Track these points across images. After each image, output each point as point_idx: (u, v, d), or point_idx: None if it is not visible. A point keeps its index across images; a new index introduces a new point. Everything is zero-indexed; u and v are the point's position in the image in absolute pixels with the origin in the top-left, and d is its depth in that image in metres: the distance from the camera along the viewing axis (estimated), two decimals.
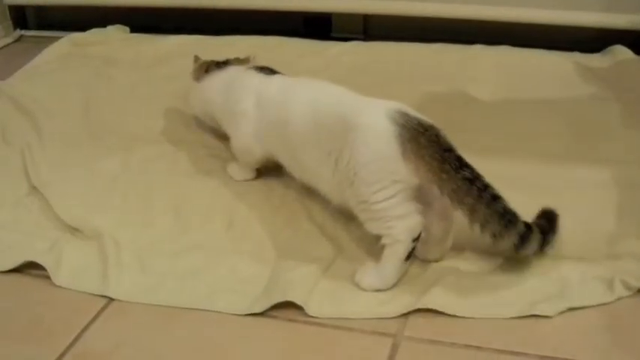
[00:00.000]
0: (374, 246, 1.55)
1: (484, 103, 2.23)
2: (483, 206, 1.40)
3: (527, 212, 1.51)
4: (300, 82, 1.79)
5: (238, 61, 2.02)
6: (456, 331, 1.40)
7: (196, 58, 2.09)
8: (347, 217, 1.64)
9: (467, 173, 1.42)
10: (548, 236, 1.48)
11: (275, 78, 1.83)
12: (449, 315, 1.43)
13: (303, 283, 1.51)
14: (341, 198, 1.59)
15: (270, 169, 1.85)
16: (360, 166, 1.49)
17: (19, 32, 3.17)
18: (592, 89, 2.29)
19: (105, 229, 1.69)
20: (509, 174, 1.79)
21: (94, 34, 2.92)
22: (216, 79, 1.95)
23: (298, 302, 1.46)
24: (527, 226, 1.44)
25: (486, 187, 1.42)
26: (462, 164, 1.43)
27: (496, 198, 1.41)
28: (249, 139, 1.81)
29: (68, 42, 2.85)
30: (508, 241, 1.42)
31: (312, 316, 1.45)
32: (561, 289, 1.47)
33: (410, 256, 1.49)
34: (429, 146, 1.44)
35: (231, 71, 1.95)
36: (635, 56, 2.48)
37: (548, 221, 1.51)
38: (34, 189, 1.89)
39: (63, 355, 1.41)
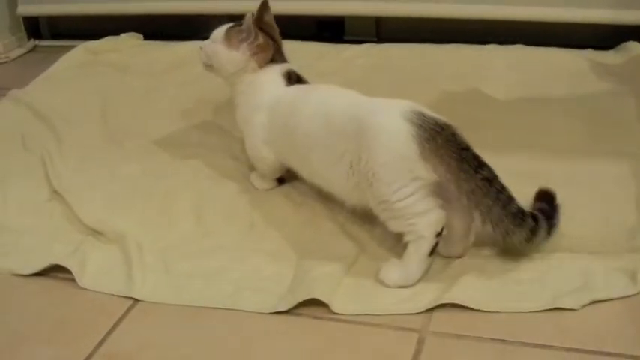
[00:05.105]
0: (396, 243, 1.56)
1: (499, 101, 2.24)
2: (499, 208, 1.42)
3: None
4: (309, 87, 1.80)
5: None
6: (481, 326, 1.41)
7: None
8: (364, 216, 1.65)
9: (485, 173, 1.43)
10: (553, 220, 1.50)
11: (291, 89, 1.80)
12: (473, 309, 1.44)
13: (327, 280, 1.51)
14: (357, 199, 1.60)
15: (291, 174, 1.85)
16: (379, 166, 1.49)
17: (33, 42, 3.19)
18: (606, 85, 2.29)
19: (127, 232, 1.71)
20: (527, 170, 1.79)
21: (109, 41, 2.94)
22: (261, 75, 1.84)
23: (324, 299, 1.46)
24: (534, 218, 1.46)
25: (503, 188, 1.43)
26: (479, 163, 1.44)
27: (510, 199, 1.43)
28: (262, 147, 1.81)
29: (83, 50, 2.87)
30: (519, 237, 1.44)
31: (337, 313, 1.46)
32: (585, 282, 1.47)
33: (433, 251, 1.49)
34: (446, 146, 1.44)
35: (269, 73, 1.85)
36: None
37: (548, 204, 1.54)
38: (55, 194, 1.91)
39: (90, 356, 1.42)
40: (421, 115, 1.48)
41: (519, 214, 1.43)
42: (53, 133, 2.21)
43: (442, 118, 1.49)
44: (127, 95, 2.48)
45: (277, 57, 1.86)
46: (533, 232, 1.45)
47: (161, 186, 1.92)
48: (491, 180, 1.43)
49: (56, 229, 1.78)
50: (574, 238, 1.57)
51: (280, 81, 1.82)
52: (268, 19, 1.87)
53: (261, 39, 1.83)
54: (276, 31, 1.89)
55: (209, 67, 1.90)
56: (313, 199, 1.80)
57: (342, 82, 1.76)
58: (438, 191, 1.49)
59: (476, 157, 1.45)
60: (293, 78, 1.84)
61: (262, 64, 1.83)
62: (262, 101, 1.81)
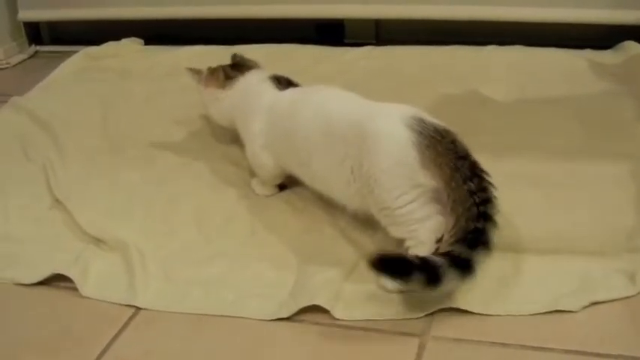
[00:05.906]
0: (397, 249, 1.55)
1: (499, 102, 2.24)
2: (464, 220, 1.40)
3: (546, 208, 1.50)
4: (308, 90, 1.80)
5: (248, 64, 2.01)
6: (481, 329, 1.41)
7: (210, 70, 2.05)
8: (365, 221, 1.65)
9: (472, 185, 1.42)
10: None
11: (287, 92, 1.83)
12: (473, 313, 1.44)
13: (328, 286, 1.52)
14: (358, 204, 1.60)
15: (292, 179, 1.85)
16: (380, 172, 1.50)
17: (34, 48, 3.20)
18: (605, 85, 2.29)
19: (129, 240, 1.71)
20: (527, 172, 1.81)
21: (109, 47, 2.95)
22: (240, 88, 1.93)
23: (325, 306, 1.47)
24: (466, 261, 1.37)
25: (483, 202, 1.41)
26: (473, 173, 1.43)
27: (480, 215, 1.40)
28: (261, 153, 1.82)
29: (84, 56, 2.88)
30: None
31: (338, 319, 1.46)
32: (584, 283, 1.47)
33: None
34: (445, 154, 1.45)
35: (251, 80, 1.92)
36: None
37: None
38: (56, 203, 1.92)
39: None
40: (421, 122, 1.48)
41: (473, 234, 1.38)
42: (54, 140, 2.22)
43: (442, 123, 1.50)
44: (128, 101, 2.49)
45: (234, 73, 1.97)
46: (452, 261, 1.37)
47: (162, 193, 1.92)
48: (474, 192, 1.41)
49: (58, 238, 1.79)
50: (573, 240, 1.58)
51: (268, 85, 1.87)
52: (235, 61, 2.04)
53: (203, 71, 2.02)
54: (242, 59, 2.04)
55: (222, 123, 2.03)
56: (314, 205, 1.80)
57: (342, 85, 1.76)
58: (438, 197, 1.49)
59: (472, 166, 1.45)
60: (283, 82, 1.87)
61: (221, 84, 1.97)
62: (259, 106, 1.82)
